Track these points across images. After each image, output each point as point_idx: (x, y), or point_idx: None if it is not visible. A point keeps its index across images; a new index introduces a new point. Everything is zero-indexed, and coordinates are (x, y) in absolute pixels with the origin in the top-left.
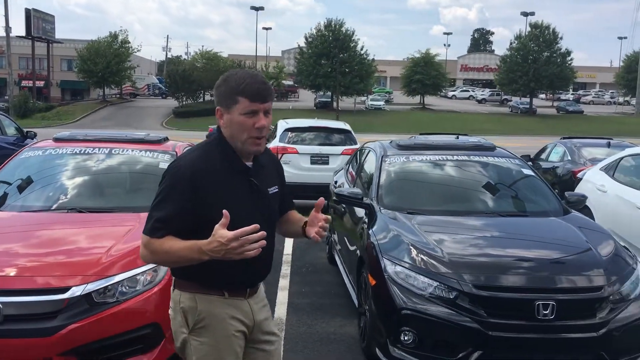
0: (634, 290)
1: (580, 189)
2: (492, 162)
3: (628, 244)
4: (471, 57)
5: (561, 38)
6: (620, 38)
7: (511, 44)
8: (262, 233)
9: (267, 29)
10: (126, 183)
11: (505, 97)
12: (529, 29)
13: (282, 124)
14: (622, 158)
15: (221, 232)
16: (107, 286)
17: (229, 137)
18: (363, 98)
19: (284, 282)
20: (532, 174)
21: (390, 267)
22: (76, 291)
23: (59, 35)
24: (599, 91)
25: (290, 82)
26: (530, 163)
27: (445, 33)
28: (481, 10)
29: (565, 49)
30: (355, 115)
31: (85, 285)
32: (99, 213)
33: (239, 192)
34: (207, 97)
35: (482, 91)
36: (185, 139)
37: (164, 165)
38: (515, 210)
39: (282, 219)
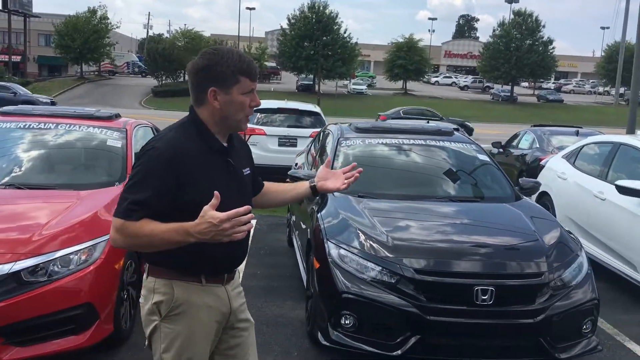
0: (575, 277)
1: (542, 176)
2: (449, 146)
3: (585, 232)
4: (455, 43)
5: (544, 26)
6: (602, 28)
7: (494, 31)
8: (251, 215)
9: (250, 9)
10: (70, 160)
11: (488, 84)
12: (512, 16)
13: None
14: (583, 146)
15: (211, 213)
16: (38, 264)
17: (222, 116)
18: (346, 82)
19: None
20: (488, 159)
21: (334, 251)
22: (3, 269)
23: (38, 9)
24: (580, 80)
25: (273, 64)
26: (501, 150)
27: (430, 18)
28: None
29: (548, 38)
30: (336, 99)
31: (13, 263)
32: (38, 190)
33: (217, 173)
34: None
35: (465, 78)
36: (163, 119)
37: (113, 143)
38: (468, 196)
39: (262, 193)
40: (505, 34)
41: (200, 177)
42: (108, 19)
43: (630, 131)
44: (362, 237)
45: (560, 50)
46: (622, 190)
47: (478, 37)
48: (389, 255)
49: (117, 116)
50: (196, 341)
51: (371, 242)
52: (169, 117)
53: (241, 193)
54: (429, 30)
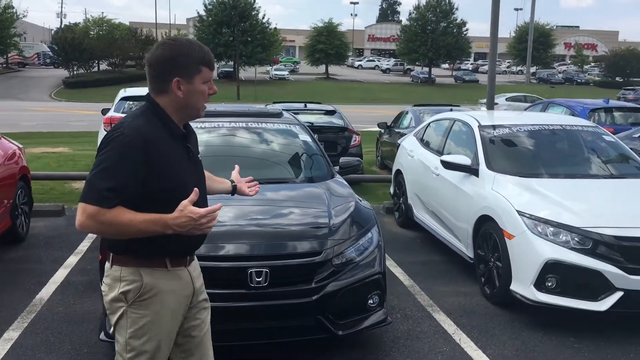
0: (362, 253)
1: (398, 154)
2: (270, 128)
3: (426, 208)
4: (378, 27)
5: (457, 9)
6: (516, 9)
7: (410, 14)
8: (219, 212)
9: None
10: None
11: (409, 67)
12: None
13: (121, 93)
14: (429, 123)
15: (191, 208)
16: None
17: (184, 105)
18: (268, 68)
19: (72, 259)
20: (309, 140)
21: None
22: None
23: None
24: (497, 61)
25: None
26: (387, 129)
27: (352, 2)
28: None
29: (461, 20)
30: (257, 86)
31: None
32: None
33: (180, 158)
34: (103, 67)
35: (387, 61)
36: (75, 111)
37: None
38: (278, 177)
39: None
40: (421, 16)
41: (168, 164)
42: (13, 8)
43: (490, 107)
44: None
45: (479, 31)
46: (446, 165)
47: (401, 21)
48: None
49: None
50: (163, 325)
51: None
52: (83, 109)
53: (200, 178)
54: (352, 15)
